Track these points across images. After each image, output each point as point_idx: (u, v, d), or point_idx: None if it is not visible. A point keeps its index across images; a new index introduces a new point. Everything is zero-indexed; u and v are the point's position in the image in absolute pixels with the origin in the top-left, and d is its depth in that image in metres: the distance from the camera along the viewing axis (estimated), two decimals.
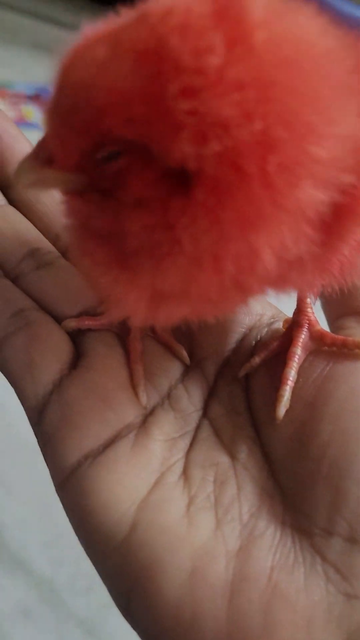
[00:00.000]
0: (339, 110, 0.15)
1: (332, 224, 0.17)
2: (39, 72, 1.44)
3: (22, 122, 1.23)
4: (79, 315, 0.25)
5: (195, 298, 0.18)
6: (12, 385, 0.23)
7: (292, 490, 0.21)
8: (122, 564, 0.19)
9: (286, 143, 0.14)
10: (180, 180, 0.15)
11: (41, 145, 0.17)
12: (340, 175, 0.15)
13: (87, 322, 0.24)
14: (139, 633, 0.20)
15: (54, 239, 0.28)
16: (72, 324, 0.24)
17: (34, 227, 0.28)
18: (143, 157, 0.15)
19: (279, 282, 0.19)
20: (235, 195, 0.15)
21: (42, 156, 0.17)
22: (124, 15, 0.16)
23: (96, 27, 0.16)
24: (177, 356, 0.25)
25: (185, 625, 0.18)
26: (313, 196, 0.15)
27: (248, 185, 0.15)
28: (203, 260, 0.16)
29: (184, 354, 0.25)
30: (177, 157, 0.15)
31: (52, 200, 0.28)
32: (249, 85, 0.14)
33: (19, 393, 0.23)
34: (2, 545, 0.62)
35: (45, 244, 0.27)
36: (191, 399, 0.24)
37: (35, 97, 1.34)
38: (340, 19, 0.17)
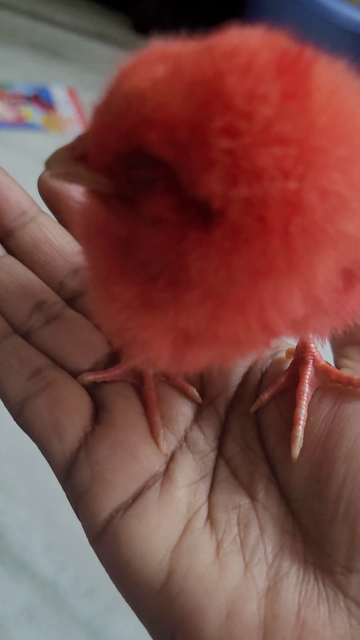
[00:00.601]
0: None
1: (349, 280, 0.18)
2: (38, 72, 1.44)
3: (20, 123, 1.23)
4: (93, 368, 0.26)
5: (223, 339, 0.18)
6: (37, 444, 0.24)
7: (312, 528, 0.22)
8: (163, 610, 0.21)
9: (316, 210, 0.14)
10: (201, 214, 0.15)
11: (79, 141, 0.18)
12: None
13: (103, 375, 0.25)
14: None
15: (58, 287, 0.28)
16: (89, 378, 0.25)
17: (36, 277, 0.28)
18: (171, 179, 0.16)
19: (302, 325, 0.19)
20: (251, 244, 0.15)
21: (78, 151, 0.17)
22: (192, 42, 0.16)
23: (161, 45, 0.17)
24: (190, 397, 0.26)
25: None
26: (329, 265, 0.16)
27: (267, 239, 0.15)
28: (222, 298, 0.17)
29: (196, 394, 0.26)
30: (203, 191, 0.15)
31: (52, 247, 0.28)
32: (293, 144, 0.14)
33: (45, 452, 0.24)
34: (6, 548, 0.62)
35: (50, 294, 0.27)
36: (206, 439, 0.25)
37: (33, 98, 1.34)
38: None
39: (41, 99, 1.35)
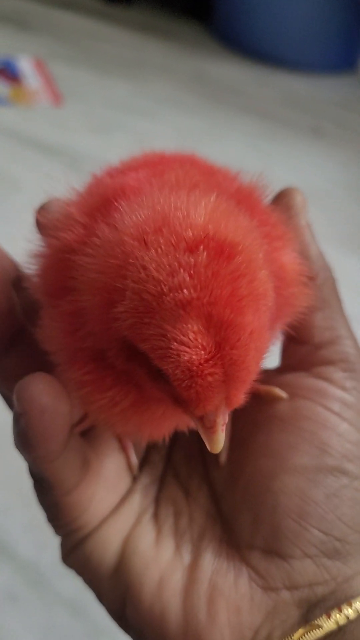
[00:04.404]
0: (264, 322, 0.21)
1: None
2: (3, 45, 1.40)
3: None
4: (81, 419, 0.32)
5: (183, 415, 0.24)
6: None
7: (228, 515, 0.28)
8: (116, 583, 0.27)
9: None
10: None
11: None
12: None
13: (84, 424, 0.31)
14: (131, 632, 0.28)
15: None
16: (79, 428, 0.31)
17: None
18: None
19: None
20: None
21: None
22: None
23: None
24: None
25: (157, 618, 0.26)
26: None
27: None
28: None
29: None
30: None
31: None
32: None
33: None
34: None
35: None
36: (159, 451, 0.31)
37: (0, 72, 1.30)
38: None
39: (7, 72, 1.30)
